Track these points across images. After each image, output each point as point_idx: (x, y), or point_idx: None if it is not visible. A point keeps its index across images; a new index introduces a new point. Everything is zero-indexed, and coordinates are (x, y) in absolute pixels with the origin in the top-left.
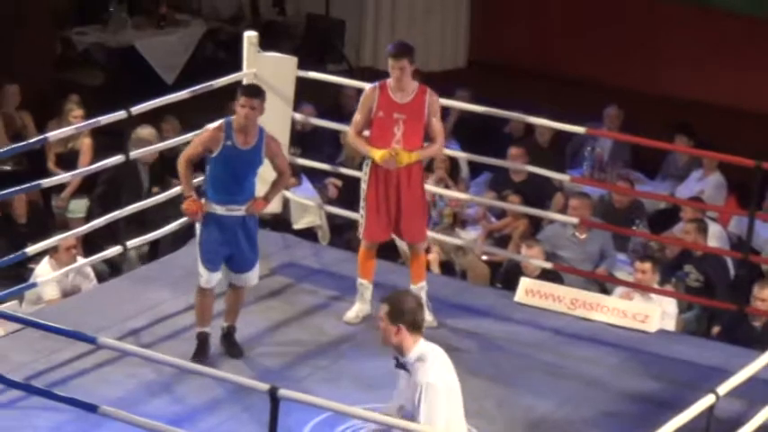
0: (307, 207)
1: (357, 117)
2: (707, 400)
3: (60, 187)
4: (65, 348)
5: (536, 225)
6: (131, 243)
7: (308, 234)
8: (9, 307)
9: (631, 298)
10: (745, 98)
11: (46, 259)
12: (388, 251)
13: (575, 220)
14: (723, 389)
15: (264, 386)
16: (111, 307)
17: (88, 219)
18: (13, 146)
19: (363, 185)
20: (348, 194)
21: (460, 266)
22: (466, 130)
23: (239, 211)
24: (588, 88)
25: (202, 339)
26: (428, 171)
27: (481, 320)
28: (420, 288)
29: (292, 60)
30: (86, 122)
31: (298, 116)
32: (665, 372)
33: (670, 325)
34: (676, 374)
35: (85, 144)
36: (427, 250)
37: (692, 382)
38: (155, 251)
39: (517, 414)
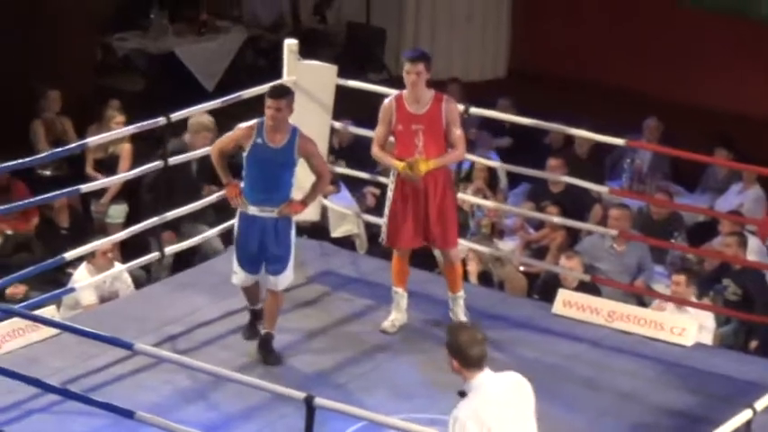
0: (345, 215)
1: (378, 131)
2: (744, 415)
3: (100, 192)
4: (102, 354)
5: (574, 237)
6: (169, 249)
7: (346, 242)
8: (47, 312)
9: (663, 309)
10: None
11: (84, 264)
12: (425, 260)
13: (613, 231)
14: (760, 404)
15: (300, 394)
16: (148, 313)
17: (127, 224)
18: (53, 151)
19: (389, 193)
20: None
21: (498, 277)
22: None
23: (272, 212)
24: (628, 99)
25: (254, 314)
26: (467, 181)
27: (518, 332)
28: (457, 297)
29: (332, 69)
30: (126, 128)
31: (337, 125)
32: (702, 386)
33: (707, 339)
34: (713, 388)
35: (125, 149)
36: (464, 261)
37: (729, 396)
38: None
39: (554, 426)
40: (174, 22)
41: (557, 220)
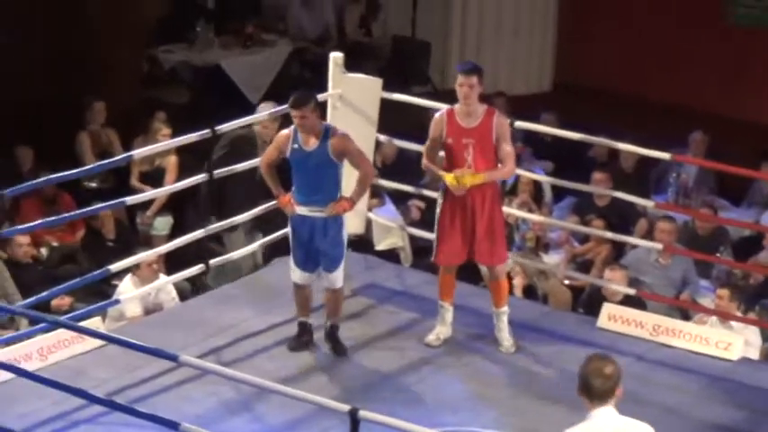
0: (389, 228)
1: (428, 144)
2: None
3: (145, 204)
4: (146, 365)
5: (619, 250)
6: (214, 261)
7: (391, 255)
8: (92, 323)
9: (705, 322)
10: None
11: (128, 276)
12: (470, 274)
13: (659, 245)
14: None
15: (345, 407)
16: (192, 325)
17: (172, 236)
18: (99, 163)
19: (438, 209)
20: (431, 217)
21: (542, 290)
22: (549, 154)
23: (320, 211)
24: (674, 114)
25: (302, 327)
26: (512, 194)
27: (563, 346)
28: (501, 313)
29: (377, 82)
30: (171, 141)
31: (382, 138)
32: (747, 401)
33: (754, 354)
34: (759, 404)
35: (171, 162)
36: (510, 275)
37: None
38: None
39: None
40: (220, 35)
41: (602, 233)
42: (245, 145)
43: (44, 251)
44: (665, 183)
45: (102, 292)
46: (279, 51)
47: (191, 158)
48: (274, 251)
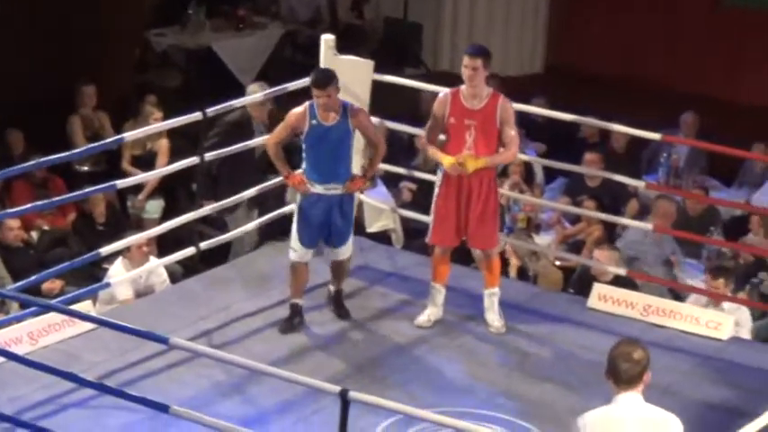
0: (381, 210)
1: (430, 123)
2: None
3: (137, 188)
4: (137, 348)
5: (610, 231)
6: (205, 244)
7: (382, 237)
8: (83, 307)
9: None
10: None
11: (119, 260)
12: (462, 255)
13: (649, 226)
14: None
15: (335, 388)
16: (183, 308)
17: (163, 219)
18: (89, 146)
19: (436, 190)
20: (422, 198)
21: (533, 271)
22: (541, 136)
23: (338, 189)
24: (666, 95)
25: (294, 310)
26: (503, 176)
27: (554, 326)
28: (492, 294)
29: (369, 64)
30: (162, 123)
31: (374, 120)
32: (737, 379)
33: (745, 334)
34: (749, 382)
35: (163, 145)
36: (505, 257)
37: (765, 390)
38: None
39: None
40: (212, 18)
41: (593, 214)
42: (240, 130)
43: (35, 235)
44: (657, 163)
45: (92, 275)
46: (271, 34)
47: (182, 142)
48: (265, 234)
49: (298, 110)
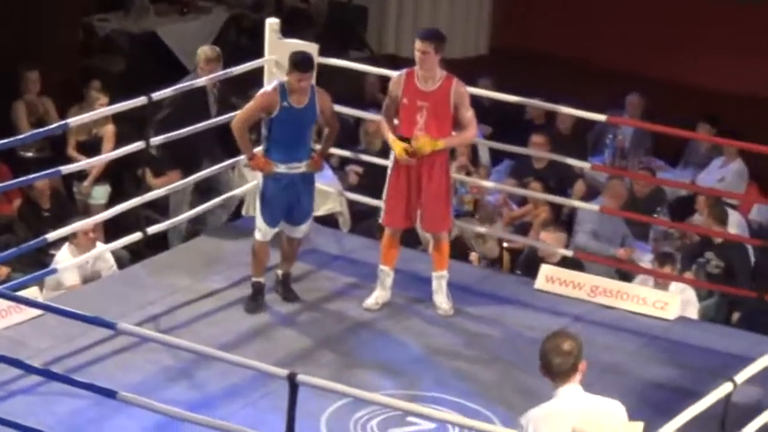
0: (327, 194)
1: (386, 102)
2: (724, 388)
3: (83, 174)
4: (84, 334)
5: (557, 212)
6: (152, 229)
7: (329, 221)
8: (29, 293)
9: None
10: None
11: (66, 245)
12: (409, 237)
13: (595, 207)
14: (741, 377)
15: (283, 372)
16: (130, 293)
17: (111, 202)
18: (34, 132)
19: (389, 171)
20: (369, 181)
21: (480, 253)
22: (487, 118)
23: (300, 168)
24: (612, 77)
25: (257, 288)
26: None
27: (502, 308)
28: (440, 276)
29: (314, 47)
30: (106, 108)
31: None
32: (684, 359)
33: (693, 313)
34: (695, 362)
35: (109, 131)
36: (457, 246)
37: (710, 369)
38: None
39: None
40: (156, 3)
41: (540, 195)
42: (193, 95)
43: None
44: (602, 145)
45: (39, 261)
46: (215, 18)
47: (128, 127)
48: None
49: (267, 90)
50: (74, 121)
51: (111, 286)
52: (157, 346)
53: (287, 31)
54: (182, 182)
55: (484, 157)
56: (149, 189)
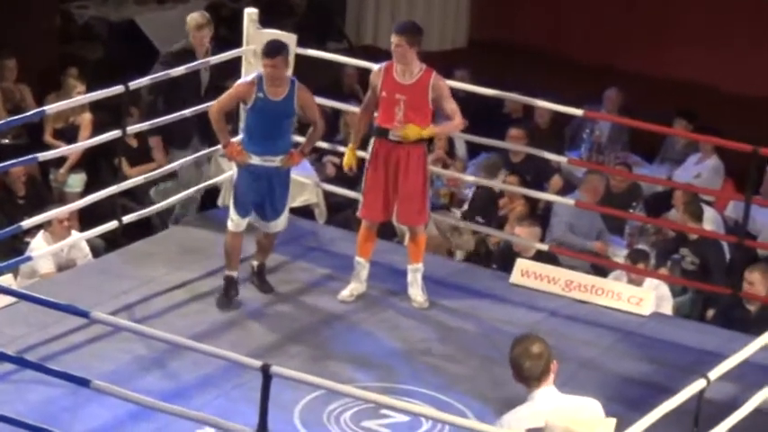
0: (304, 185)
1: (367, 95)
2: (698, 385)
3: (59, 162)
4: (58, 322)
5: (533, 206)
6: (128, 218)
7: (305, 212)
8: (4, 280)
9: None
10: (748, 83)
11: (41, 233)
12: (385, 230)
13: (571, 201)
14: (714, 373)
15: (256, 363)
16: (105, 282)
17: (87, 191)
18: (10, 119)
19: (366, 164)
20: (345, 173)
21: (456, 246)
22: (464, 110)
23: (274, 162)
24: (591, 71)
25: (229, 282)
26: None
27: (477, 301)
28: (416, 269)
29: (292, 38)
30: (83, 96)
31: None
32: (658, 355)
33: (667, 309)
34: (669, 358)
35: (86, 119)
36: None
37: (685, 365)
38: None
39: (511, 394)
40: None
41: (516, 189)
42: (184, 59)
43: None
44: (579, 139)
45: (14, 248)
46: (194, 7)
47: (105, 115)
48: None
49: (245, 80)
50: (51, 108)
51: (86, 275)
52: (131, 336)
53: (265, 21)
54: (162, 169)
55: (460, 150)
56: (125, 178)
